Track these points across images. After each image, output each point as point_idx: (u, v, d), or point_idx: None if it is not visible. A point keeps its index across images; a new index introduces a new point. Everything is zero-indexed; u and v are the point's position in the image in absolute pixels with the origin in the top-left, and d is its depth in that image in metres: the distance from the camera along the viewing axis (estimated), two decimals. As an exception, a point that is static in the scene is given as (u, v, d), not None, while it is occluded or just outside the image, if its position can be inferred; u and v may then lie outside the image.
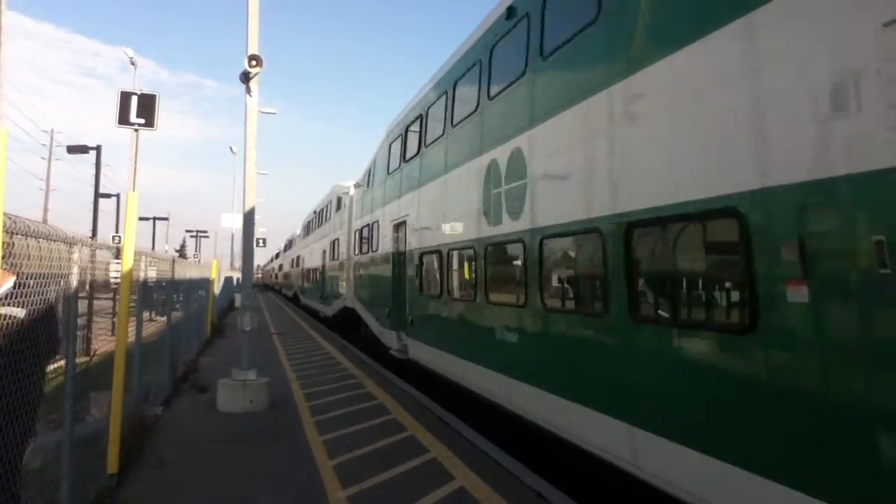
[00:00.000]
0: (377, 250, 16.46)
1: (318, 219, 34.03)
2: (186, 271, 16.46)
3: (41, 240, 4.79)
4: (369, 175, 18.83)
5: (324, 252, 29.59)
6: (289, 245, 60.69)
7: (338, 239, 25.16)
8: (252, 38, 11.19)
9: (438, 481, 6.83)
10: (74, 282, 5.55)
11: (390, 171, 15.46)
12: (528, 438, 7.91)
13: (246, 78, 11.19)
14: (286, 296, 58.93)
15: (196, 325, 18.00)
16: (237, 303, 28.96)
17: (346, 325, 22.55)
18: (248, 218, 11.82)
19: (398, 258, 14.19)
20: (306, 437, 8.73)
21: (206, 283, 22.65)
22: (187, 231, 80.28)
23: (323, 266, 29.72)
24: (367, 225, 18.06)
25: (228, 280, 40.18)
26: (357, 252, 19.81)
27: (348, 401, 11.11)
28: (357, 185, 21.69)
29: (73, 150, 26.26)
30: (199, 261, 45.55)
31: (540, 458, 7.57)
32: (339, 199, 25.65)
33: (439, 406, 10.68)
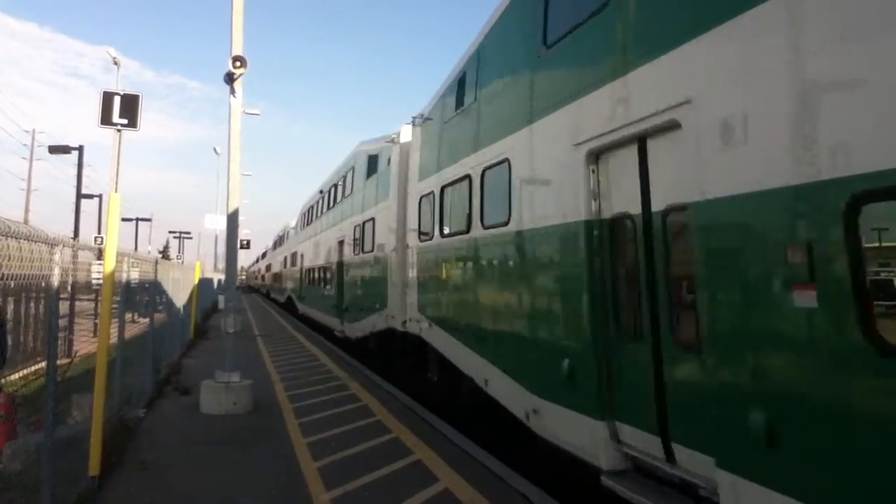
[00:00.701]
0: (515, 220, 7.62)
1: (329, 198, 24.51)
2: (169, 273, 16.33)
3: (22, 240, 4.75)
4: (462, 86, 9.98)
5: (340, 243, 21.15)
6: (280, 241, 53.67)
7: (371, 220, 16.53)
8: (236, 39, 11.15)
9: (423, 483, 6.83)
10: (55, 282, 5.51)
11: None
12: (514, 441, 7.92)
13: (230, 79, 11.14)
14: (276, 301, 51.43)
15: (179, 327, 17.86)
16: (221, 304, 28.73)
17: (385, 356, 15.25)
18: (232, 219, 11.76)
19: (629, 233, 5.80)
20: (290, 439, 8.70)
21: (188, 286, 22.48)
22: (170, 232, 79.83)
23: (339, 263, 21.13)
24: (465, 177, 9.40)
25: (209, 281, 39.89)
26: (435, 232, 10.94)
27: (333, 403, 11.07)
28: (421, 121, 12.50)
29: (54, 150, 26.05)
30: (183, 262, 45.24)
31: (525, 461, 7.59)
32: (373, 160, 17.02)
33: (424, 408, 10.68)
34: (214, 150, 38.88)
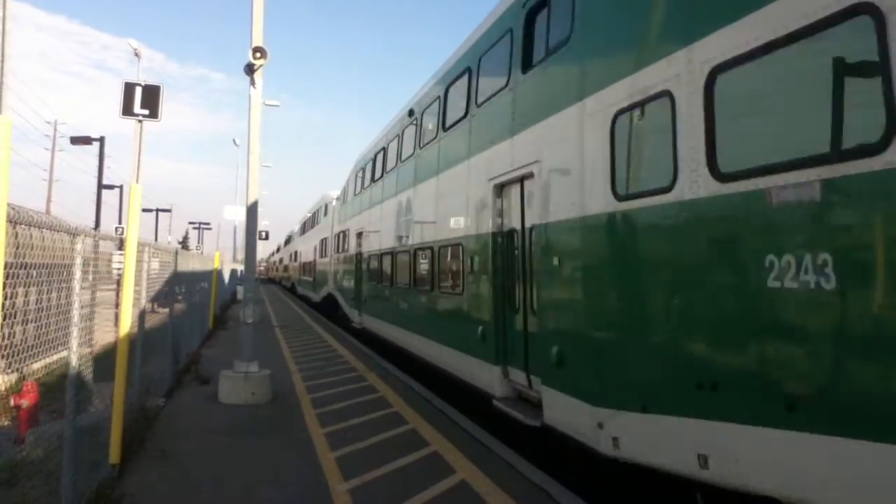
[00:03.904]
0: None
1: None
2: (189, 263, 16.45)
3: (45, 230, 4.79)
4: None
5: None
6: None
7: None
8: (256, 30, 11.15)
9: (440, 474, 6.83)
10: (77, 272, 5.55)
11: None
12: (530, 432, 7.90)
13: (250, 70, 11.16)
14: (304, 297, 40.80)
15: (198, 317, 18.01)
16: (240, 295, 28.92)
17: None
18: (252, 210, 11.81)
19: None
20: (308, 429, 8.74)
21: (208, 276, 22.65)
22: (190, 223, 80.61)
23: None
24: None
25: (231, 272, 40.27)
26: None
27: (350, 394, 11.11)
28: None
29: (76, 141, 26.36)
30: (202, 252, 45.62)
31: (541, 452, 7.57)
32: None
33: (441, 399, 10.68)
34: (234, 141, 39.21)
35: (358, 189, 20.95)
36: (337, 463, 7.22)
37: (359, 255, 19.77)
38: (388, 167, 16.46)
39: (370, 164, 18.93)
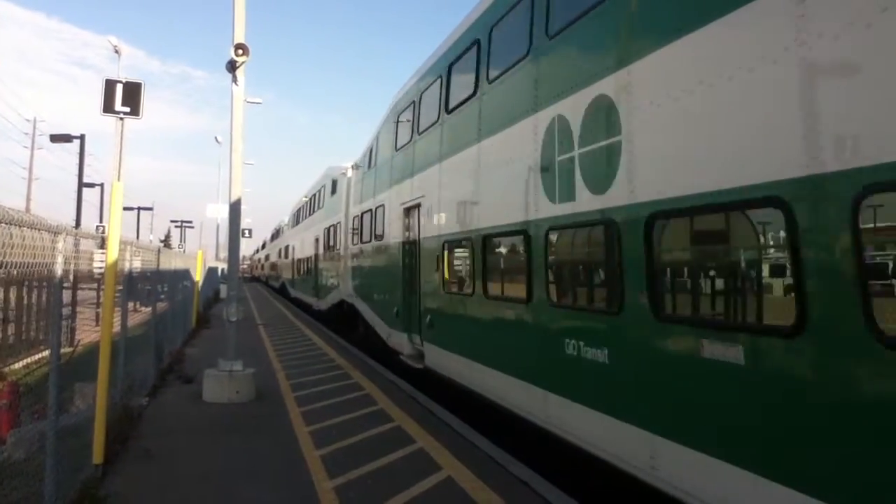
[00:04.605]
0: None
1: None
2: (171, 261, 16.34)
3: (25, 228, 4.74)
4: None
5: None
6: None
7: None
8: (238, 26, 11.08)
9: (426, 471, 6.85)
10: (59, 271, 5.50)
11: None
12: (516, 429, 7.94)
13: (232, 67, 11.08)
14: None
15: (181, 316, 17.88)
16: (223, 293, 28.75)
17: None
18: (235, 208, 11.74)
19: None
20: (293, 427, 8.72)
21: (191, 274, 22.49)
22: (172, 221, 79.94)
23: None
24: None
25: (213, 270, 40.03)
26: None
27: (334, 391, 11.10)
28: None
29: (56, 138, 26.03)
30: (185, 251, 45.25)
31: (527, 448, 7.61)
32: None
33: (426, 396, 10.70)
34: (216, 138, 38.92)
35: (405, 139, 13.42)
36: (322, 461, 7.21)
37: (410, 244, 12.91)
38: (493, 74, 8.91)
39: (438, 86, 11.31)
